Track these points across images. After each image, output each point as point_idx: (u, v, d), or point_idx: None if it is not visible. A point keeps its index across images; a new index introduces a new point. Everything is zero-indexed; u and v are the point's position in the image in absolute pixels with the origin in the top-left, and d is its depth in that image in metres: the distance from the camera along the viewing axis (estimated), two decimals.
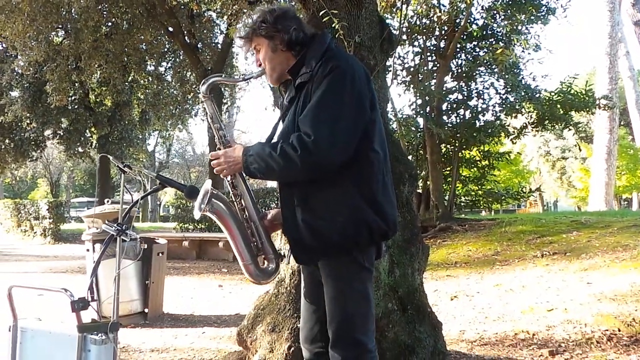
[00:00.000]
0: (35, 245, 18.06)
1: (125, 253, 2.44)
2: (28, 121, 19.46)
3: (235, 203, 2.32)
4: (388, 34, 3.89)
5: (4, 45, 16.62)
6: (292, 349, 3.30)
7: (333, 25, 3.39)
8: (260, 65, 2.34)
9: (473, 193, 13.01)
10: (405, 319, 3.57)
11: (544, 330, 4.55)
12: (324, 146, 1.96)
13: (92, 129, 20.48)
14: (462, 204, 13.35)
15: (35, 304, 6.29)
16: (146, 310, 5.93)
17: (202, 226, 14.11)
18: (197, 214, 2.25)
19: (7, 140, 19.99)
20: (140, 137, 23.37)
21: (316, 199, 2.10)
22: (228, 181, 2.29)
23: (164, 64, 18.37)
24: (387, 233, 2.17)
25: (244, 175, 2.26)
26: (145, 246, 5.82)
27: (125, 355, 4.55)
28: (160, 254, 6.19)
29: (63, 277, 9.54)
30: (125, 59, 15.60)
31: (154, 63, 18.13)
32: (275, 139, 2.23)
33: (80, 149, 21.20)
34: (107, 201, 6.29)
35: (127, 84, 18.24)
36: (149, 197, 45.68)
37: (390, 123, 11.05)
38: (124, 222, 2.35)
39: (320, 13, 3.39)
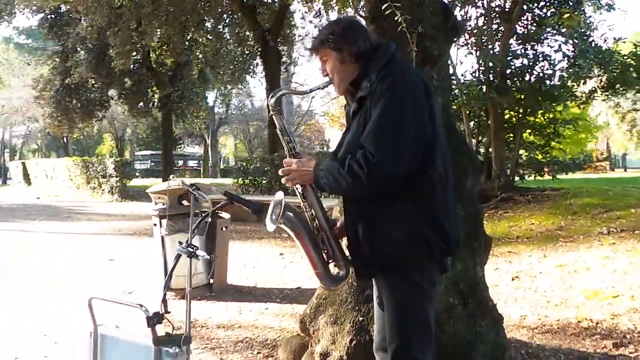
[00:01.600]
0: (103, 202, 18.83)
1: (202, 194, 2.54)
2: (93, 82, 20.01)
3: (305, 212, 2.37)
4: (453, 21, 3.78)
5: (68, 8, 17.01)
6: (354, 342, 3.36)
7: (395, 18, 3.29)
8: (326, 75, 2.36)
9: (536, 161, 12.58)
10: (466, 314, 3.57)
11: (608, 319, 4.46)
12: (387, 166, 2.00)
13: (154, 89, 20.90)
14: (525, 172, 12.90)
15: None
16: (211, 281, 6.13)
17: (263, 187, 14.36)
18: (270, 227, 2.33)
19: (74, 101, 20.70)
20: (200, 95, 23.66)
21: (377, 214, 2.14)
22: (298, 191, 2.34)
23: (222, 23, 18.36)
24: (448, 250, 2.19)
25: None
26: (210, 220, 6.00)
27: (193, 332, 4.73)
28: (224, 228, 6.34)
29: (131, 241, 9.96)
30: (184, 19, 15.71)
31: (212, 22, 18.17)
32: (342, 151, 2.25)
33: (143, 108, 21.72)
34: (172, 177, 6.46)
35: (186, 43, 18.41)
36: (209, 150, 46.69)
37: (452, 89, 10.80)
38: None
39: (383, 7, 3.30)
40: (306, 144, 47.91)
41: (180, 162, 54.69)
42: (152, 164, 48.53)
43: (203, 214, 2.71)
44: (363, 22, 3.52)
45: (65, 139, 39.54)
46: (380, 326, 2.38)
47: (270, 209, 2.34)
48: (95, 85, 20.17)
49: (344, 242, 2.48)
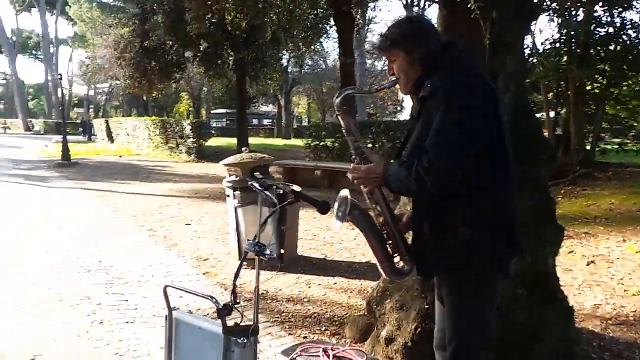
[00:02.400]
0: (181, 163, 19.46)
1: (262, 201, 2.62)
2: (170, 44, 20.42)
3: (370, 208, 2.41)
4: (529, 4, 3.62)
5: None
6: (419, 329, 3.41)
7: (469, 5, 3.20)
8: (393, 74, 2.35)
9: (620, 137, 11.93)
10: (534, 305, 3.53)
11: None
12: (450, 173, 2.02)
13: (229, 51, 21.11)
14: (607, 147, 12.19)
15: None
16: (282, 251, 6.29)
17: (335, 152, 14.40)
18: (337, 224, 2.39)
19: (152, 63, 21.23)
20: (274, 57, 23.73)
21: (442, 213, 2.16)
22: (364, 189, 2.36)
23: None
24: (511, 253, 2.21)
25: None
26: (281, 192, 6.13)
27: (263, 304, 4.91)
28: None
29: (206, 205, 10.28)
30: None
31: None
32: (407, 153, 2.26)
33: (218, 70, 22.02)
34: (244, 149, 6.63)
35: (259, 6, 18.42)
36: (282, 111, 47.04)
37: (530, 61, 10.36)
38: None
39: None
40: (379, 103, 47.50)
41: (255, 121, 55.53)
42: (228, 122, 49.42)
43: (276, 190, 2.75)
44: (434, 19, 3.44)
45: (144, 97, 40.84)
46: (440, 324, 2.41)
47: (336, 205, 2.38)
48: (173, 47, 20.58)
49: (409, 237, 2.51)
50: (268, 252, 2.40)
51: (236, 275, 2.53)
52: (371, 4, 26.47)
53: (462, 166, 2.02)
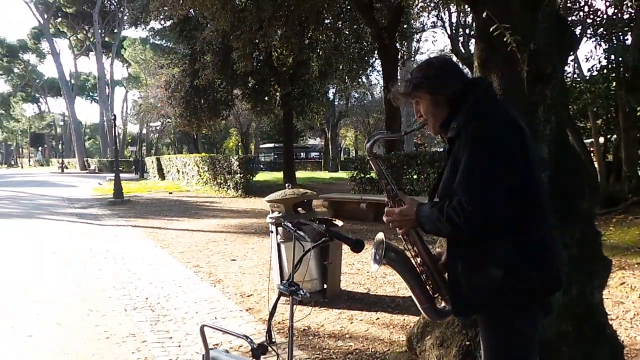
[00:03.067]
0: (229, 198, 19.73)
1: (304, 236, 2.62)
2: (219, 82, 20.96)
3: (407, 250, 2.40)
4: (569, 35, 3.58)
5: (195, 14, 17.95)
6: None
7: (505, 39, 3.18)
8: (420, 116, 2.35)
9: None
10: (582, 341, 3.41)
11: None
12: (481, 214, 2.00)
13: (276, 87, 21.53)
14: None
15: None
16: (325, 286, 6.26)
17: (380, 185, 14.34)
18: (374, 267, 2.39)
19: (202, 101, 21.85)
20: (320, 91, 24.07)
21: (476, 254, 2.13)
22: (399, 231, 2.36)
23: (341, 21, 18.51)
24: (549, 290, 2.16)
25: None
26: (324, 227, 6.14)
27: (305, 340, 4.89)
28: None
29: (252, 241, 10.36)
30: (304, 18, 16.00)
31: (330, 19, 18.37)
32: (439, 194, 2.25)
33: (265, 106, 22.47)
34: (288, 185, 6.68)
35: (305, 42, 18.77)
36: (329, 144, 47.36)
37: (576, 86, 10.16)
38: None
39: (491, 29, 3.18)
40: (427, 134, 47.19)
41: (302, 154, 56.09)
42: (275, 156, 50.09)
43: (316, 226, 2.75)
44: (454, 58, 3.43)
45: (194, 134, 41.85)
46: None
47: (374, 249, 2.40)
48: (221, 85, 21.12)
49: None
50: (302, 292, 2.39)
51: (271, 315, 2.54)
52: (416, 36, 26.69)
53: (491, 206, 1.99)
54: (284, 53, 18.74)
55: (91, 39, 62.24)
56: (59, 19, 63.30)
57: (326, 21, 18.43)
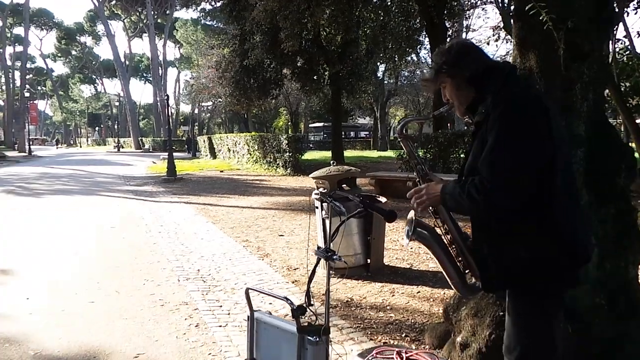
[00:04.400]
0: (278, 176, 20.06)
1: (349, 211, 2.80)
2: (268, 62, 21.19)
3: (438, 227, 2.53)
4: (608, 11, 3.60)
5: None
6: (493, 336, 3.44)
7: (541, 18, 3.24)
8: (448, 100, 2.48)
9: None
10: (615, 314, 3.48)
11: None
12: (501, 193, 2.09)
13: (324, 66, 21.63)
14: None
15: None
16: (369, 260, 6.44)
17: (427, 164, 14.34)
18: (405, 242, 2.55)
19: (251, 80, 22.14)
20: (369, 70, 24.03)
21: (500, 232, 2.23)
22: (430, 210, 2.49)
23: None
24: (575, 265, 2.23)
25: None
26: (360, 198, 6.31)
27: (347, 311, 5.10)
28: None
29: (299, 217, 10.62)
30: None
31: None
32: (465, 173, 2.34)
33: (314, 85, 22.61)
34: (333, 163, 6.86)
35: (354, 18, 18.74)
36: (378, 123, 47.20)
37: (629, 63, 9.88)
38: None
39: (526, 7, 3.25)
40: None
41: (352, 134, 56.14)
42: (325, 135, 50.30)
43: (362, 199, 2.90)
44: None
45: (245, 114, 42.44)
46: (507, 330, 2.48)
47: (406, 226, 2.54)
48: (270, 65, 21.35)
49: None
50: (336, 257, 2.58)
51: (310, 279, 2.74)
52: (467, 13, 26.22)
53: (513, 185, 2.07)
54: (332, 32, 18.78)
55: (144, 21, 63.60)
56: (113, 2, 64.82)
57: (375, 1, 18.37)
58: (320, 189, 6.47)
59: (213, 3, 22.14)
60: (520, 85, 2.36)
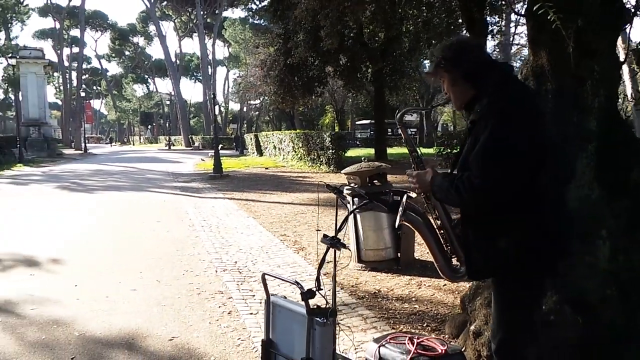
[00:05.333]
0: (321, 173, 20.33)
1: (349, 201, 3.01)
2: (311, 60, 21.46)
3: (428, 212, 2.71)
4: (617, 10, 3.68)
5: None
6: None
7: (549, 17, 3.35)
8: (446, 94, 2.62)
9: None
10: (627, 307, 3.56)
11: None
12: (487, 190, 2.23)
13: (367, 64, 21.77)
14: None
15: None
16: (399, 254, 6.60)
17: None
18: (397, 224, 2.73)
19: (295, 79, 22.48)
20: (412, 67, 24.04)
21: (485, 223, 2.37)
22: (422, 195, 2.66)
23: None
24: (556, 258, 2.38)
25: None
26: (398, 198, 6.47)
27: (374, 301, 5.29)
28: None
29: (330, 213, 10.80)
30: None
31: None
32: (457, 168, 2.47)
33: (356, 83, 22.79)
34: (364, 159, 7.05)
35: (397, 15, 18.77)
36: (424, 120, 46.92)
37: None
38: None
39: (534, 7, 3.38)
40: None
41: (399, 131, 55.88)
42: (371, 132, 50.24)
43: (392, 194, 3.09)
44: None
45: (291, 111, 42.90)
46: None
47: (400, 208, 2.71)
48: (314, 63, 21.62)
49: None
50: (341, 244, 2.79)
51: (320, 265, 2.97)
52: (517, 6, 25.74)
53: (495, 182, 2.21)
54: (374, 29, 18.89)
55: (194, 21, 64.85)
56: (164, 3, 66.45)
57: None
58: (352, 184, 6.66)
59: (258, 2, 22.54)
60: (516, 88, 2.45)
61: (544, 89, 3.73)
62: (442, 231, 2.65)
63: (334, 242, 2.80)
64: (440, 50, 2.53)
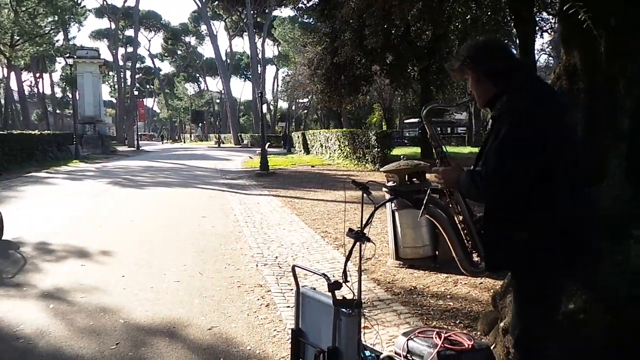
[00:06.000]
0: (367, 171, 20.37)
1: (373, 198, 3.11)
2: (358, 59, 21.55)
3: (451, 207, 2.79)
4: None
5: None
6: None
7: (579, 17, 3.38)
8: (470, 92, 2.70)
9: None
10: None
11: None
12: (499, 183, 2.31)
13: (414, 62, 21.70)
14: None
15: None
16: (437, 252, 6.64)
17: None
18: (419, 217, 2.83)
19: (342, 77, 22.62)
20: None
21: (505, 219, 2.43)
22: (446, 191, 2.75)
23: None
24: (574, 256, 2.40)
25: None
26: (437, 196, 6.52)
27: (409, 298, 5.37)
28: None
29: (380, 211, 10.85)
30: None
31: None
32: (480, 163, 2.53)
33: (403, 81, 22.75)
34: (403, 157, 7.11)
35: (445, 13, 18.67)
36: (472, 118, 46.31)
37: None
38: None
39: (564, 7, 3.40)
40: None
41: (448, 130, 55.40)
42: (420, 131, 49.85)
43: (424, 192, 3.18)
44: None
45: (339, 110, 43.02)
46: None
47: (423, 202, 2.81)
48: (360, 62, 21.70)
49: None
50: (366, 238, 2.90)
51: (347, 258, 3.09)
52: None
53: (512, 179, 2.28)
54: (421, 28, 18.84)
55: (244, 20, 65.67)
56: (216, 2, 67.52)
57: None
58: (390, 182, 6.74)
59: (306, 1, 22.76)
60: (537, 87, 2.49)
61: (576, 87, 3.75)
62: (463, 226, 2.72)
63: (358, 236, 2.91)
64: (466, 49, 2.60)
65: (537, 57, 37.04)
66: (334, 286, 2.94)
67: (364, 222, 3.07)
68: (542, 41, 42.07)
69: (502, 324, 3.87)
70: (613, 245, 3.42)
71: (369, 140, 21.12)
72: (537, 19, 16.25)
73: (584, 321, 3.39)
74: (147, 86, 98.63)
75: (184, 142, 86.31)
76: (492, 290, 5.41)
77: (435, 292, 5.54)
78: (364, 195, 3.13)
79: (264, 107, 44.36)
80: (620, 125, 3.60)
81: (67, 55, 38.91)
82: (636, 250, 3.53)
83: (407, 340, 3.42)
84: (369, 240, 2.95)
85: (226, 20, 74.15)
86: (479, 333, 4.37)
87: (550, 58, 40.44)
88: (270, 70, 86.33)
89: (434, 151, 2.80)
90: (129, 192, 15.36)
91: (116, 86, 72.18)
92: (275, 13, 66.45)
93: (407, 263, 6.55)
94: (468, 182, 2.44)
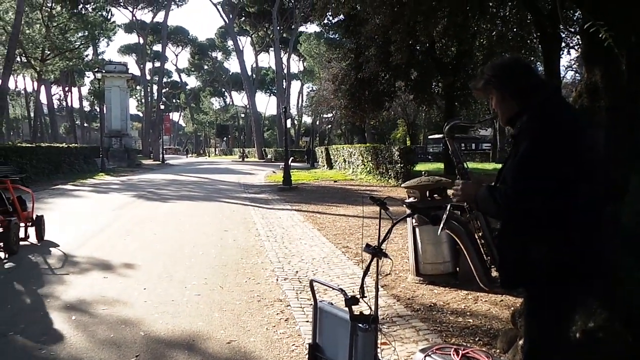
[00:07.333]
0: (389, 187, 20.33)
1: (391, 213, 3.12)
2: (382, 74, 21.61)
3: (471, 222, 2.79)
4: None
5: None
6: None
7: (600, 36, 3.38)
8: (494, 110, 2.71)
9: None
10: None
11: None
12: (518, 201, 2.32)
13: (438, 78, 21.70)
14: None
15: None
16: (457, 269, 6.60)
17: None
18: (439, 232, 2.83)
19: (366, 93, 22.70)
20: None
21: (521, 234, 2.43)
22: (465, 206, 2.76)
23: (505, 9, 18.17)
24: (588, 275, 2.38)
25: None
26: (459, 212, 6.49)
27: (428, 314, 5.34)
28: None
29: (402, 227, 10.81)
30: (468, 8, 15.98)
31: (494, 6, 18.10)
32: (501, 177, 2.55)
33: (426, 97, 22.74)
34: (424, 173, 7.11)
35: (470, 30, 18.70)
36: (497, 135, 46.01)
37: None
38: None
39: (585, 26, 3.41)
40: None
41: (473, 146, 55.15)
42: (444, 147, 49.68)
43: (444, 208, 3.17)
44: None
45: (362, 125, 43.09)
46: None
47: (443, 217, 2.82)
48: (384, 77, 21.76)
49: None
50: (383, 254, 2.91)
51: (364, 273, 3.10)
52: None
53: (530, 197, 2.28)
54: (446, 44, 18.87)
55: (270, 36, 66.37)
56: (242, 18, 68.42)
57: (491, 9, 18.18)
58: (411, 198, 6.73)
59: (332, 18, 22.93)
60: (557, 107, 2.48)
61: (597, 105, 3.74)
62: (482, 242, 2.72)
63: (375, 251, 2.92)
64: (490, 68, 2.63)
65: (563, 73, 36.84)
66: (350, 301, 2.95)
67: (381, 238, 3.06)
68: (569, 57, 41.79)
69: (521, 342, 3.82)
70: (634, 262, 3.39)
71: (392, 155, 21.11)
72: (564, 35, 16.08)
73: (604, 339, 3.36)
74: (174, 100, 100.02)
75: (209, 156, 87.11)
76: (512, 308, 5.37)
77: (455, 309, 5.51)
78: (381, 211, 3.13)
79: (288, 121, 44.64)
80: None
81: (96, 69, 39.72)
82: None
83: (425, 356, 3.39)
84: (386, 255, 2.96)
85: (252, 36, 75.03)
86: (498, 351, 4.32)
87: (577, 74, 40.08)
88: (295, 85, 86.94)
89: (456, 166, 2.81)
90: (153, 205, 15.55)
91: (143, 100, 73.32)
92: (301, 29, 67.04)
93: (428, 279, 6.51)
94: (486, 198, 2.46)
